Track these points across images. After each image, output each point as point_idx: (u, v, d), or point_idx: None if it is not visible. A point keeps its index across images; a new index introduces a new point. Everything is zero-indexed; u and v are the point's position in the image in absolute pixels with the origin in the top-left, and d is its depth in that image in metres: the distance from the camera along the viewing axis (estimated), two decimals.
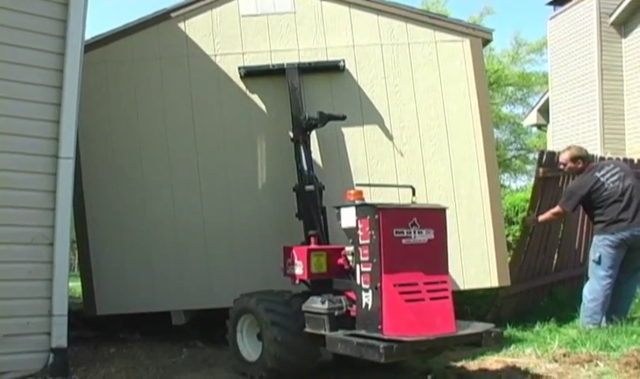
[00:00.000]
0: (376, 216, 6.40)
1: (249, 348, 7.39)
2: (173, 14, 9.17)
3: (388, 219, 6.42)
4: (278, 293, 7.39)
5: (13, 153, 7.13)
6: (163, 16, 9.18)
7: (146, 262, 8.87)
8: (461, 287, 8.83)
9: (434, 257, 6.63)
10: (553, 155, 10.17)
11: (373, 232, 6.42)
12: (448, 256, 6.78)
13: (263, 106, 9.14)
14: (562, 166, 9.57)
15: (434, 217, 6.72)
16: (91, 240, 8.91)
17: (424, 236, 6.56)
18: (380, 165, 9.02)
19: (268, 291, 7.46)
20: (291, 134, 8.61)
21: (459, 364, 7.55)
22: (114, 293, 8.81)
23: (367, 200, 6.88)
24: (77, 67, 7.39)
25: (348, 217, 6.75)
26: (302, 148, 8.39)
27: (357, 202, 6.71)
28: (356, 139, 9.06)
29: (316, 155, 8.80)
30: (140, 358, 8.26)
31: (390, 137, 9.07)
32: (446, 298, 6.53)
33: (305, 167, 8.28)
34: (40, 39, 7.29)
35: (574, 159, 9.33)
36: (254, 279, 8.29)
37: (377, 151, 9.06)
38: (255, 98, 9.13)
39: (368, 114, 9.11)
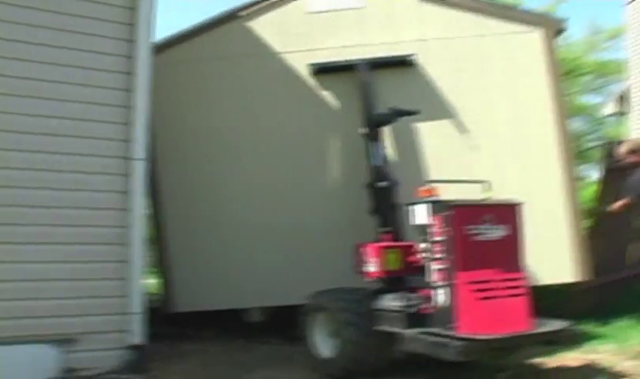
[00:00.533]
0: (450, 213, 6.30)
1: (323, 345, 7.36)
2: (241, 13, 9.21)
3: (462, 216, 6.32)
4: (352, 290, 7.34)
5: (87, 156, 7.29)
6: (231, 16, 9.27)
7: (222, 261, 8.97)
8: (538, 282, 8.62)
9: (509, 253, 6.48)
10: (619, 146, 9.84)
11: (447, 229, 6.32)
12: (524, 252, 6.60)
13: (333, 103, 9.12)
14: (620, 159, 9.21)
15: (509, 212, 6.57)
16: (168, 239, 9.07)
17: (498, 232, 6.43)
18: (453, 159, 8.85)
19: (341, 289, 7.42)
20: (362, 130, 8.53)
21: (536, 361, 7.35)
22: (192, 291, 8.93)
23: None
24: (146, 70, 7.50)
25: (421, 214, 6.66)
26: (374, 144, 8.31)
27: (431, 199, 6.61)
28: (429, 134, 8.95)
29: (389, 150, 8.72)
30: (215, 354, 8.36)
31: (463, 131, 8.93)
32: (522, 295, 6.37)
33: (377, 163, 8.20)
34: (109, 43, 7.44)
35: (631, 152, 8.98)
36: (328, 275, 8.26)
37: (450, 145, 8.93)
38: (325, 94, 9.12)
39: (440, 109, 8.99)
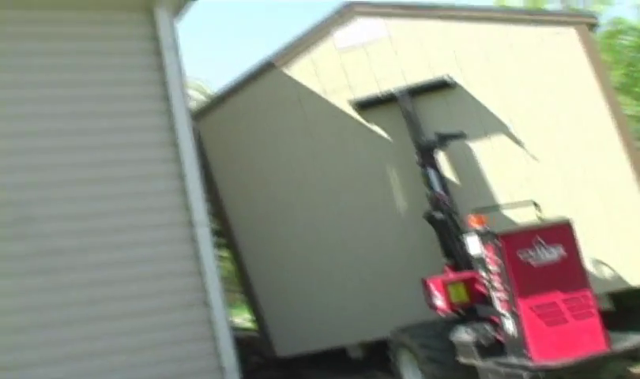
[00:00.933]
0: (498, 242, 6.27)
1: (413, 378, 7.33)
2: (276, 63, 9.34)
3: (511, 243, 6.26)
4: (431, 324, 7.31)
5: (149, 228, 7.48)
6: (267, 67, 9.38)
7: (311, 301, 9.04)
8: (629, 284, 8.33)
9: (570, 272, 6.36)
10: None
11: (499, 258, 6.28)
12: (586, 268, 6.50)
13: (382, 134, 9.09)
14: None
15: (560, 232, 6.45)
16: (256, 288, 9.24)
17: (554, 253, 6.34)
18: (511, 173, 8.69)
19: (420, 324, 7.40)
20: (416, 158, 8.48)
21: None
22: (288, 334, 9.07)
23: (493, 222, 6.74)
24: (188, 138, 7.68)
25: (474, 245, 6.66)
26: (429, 171, 8.25)
27: (479, 229, 6.59)
28: (482, 152, 8.80)
29: (448, 175, 8.66)
30: None
31: (516, 143, 8.74)
32: (592, 315, 6.24)
33: (434, 191, 8.13)
34: (153, 119, 7.69)
35: None
36: (413, 307, 8.09)
37: (507, 161, 8.73)
38: (372, 127, 9.11)
39: (488, 125, 8.81)
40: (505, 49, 8.89)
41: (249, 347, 9.89)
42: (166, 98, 7.69)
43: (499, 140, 8.78)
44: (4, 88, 7.10)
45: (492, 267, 6.38)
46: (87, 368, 6.90)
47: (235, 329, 11.09)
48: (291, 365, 9.59)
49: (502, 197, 8.53)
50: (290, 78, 9.34)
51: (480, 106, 8.85)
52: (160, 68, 7.71)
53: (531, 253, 6.28)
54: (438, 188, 8.11)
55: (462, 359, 6.74)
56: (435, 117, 8.80)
